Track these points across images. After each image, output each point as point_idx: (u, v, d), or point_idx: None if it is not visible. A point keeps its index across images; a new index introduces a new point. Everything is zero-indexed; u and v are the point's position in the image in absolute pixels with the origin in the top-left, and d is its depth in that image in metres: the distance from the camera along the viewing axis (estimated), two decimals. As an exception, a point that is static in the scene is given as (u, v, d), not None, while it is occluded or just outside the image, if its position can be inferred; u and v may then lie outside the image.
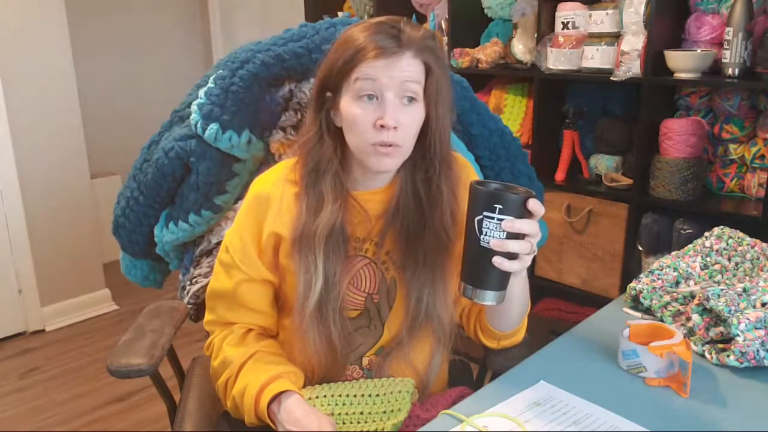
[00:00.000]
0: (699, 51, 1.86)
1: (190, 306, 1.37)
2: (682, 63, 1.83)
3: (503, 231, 0.85)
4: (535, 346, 1.06)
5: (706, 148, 1.99)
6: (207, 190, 1.34)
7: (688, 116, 1.99)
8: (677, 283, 1.18)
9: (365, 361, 1.06)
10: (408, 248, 1.02)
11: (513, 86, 2.36)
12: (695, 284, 1.17)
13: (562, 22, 2.09)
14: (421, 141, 0.99)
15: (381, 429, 0.97)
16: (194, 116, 1.30)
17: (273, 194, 1.03)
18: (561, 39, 2.08)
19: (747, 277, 1.17)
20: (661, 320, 1.10)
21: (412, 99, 0.95)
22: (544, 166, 2.14)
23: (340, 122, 0.98)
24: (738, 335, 0.95)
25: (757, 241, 1.24)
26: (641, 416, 0.85)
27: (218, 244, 1.36)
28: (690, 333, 1.05)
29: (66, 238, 2.79)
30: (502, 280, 0.89)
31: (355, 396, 0.99)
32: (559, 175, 2.20)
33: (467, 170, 1.11)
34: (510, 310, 1.02)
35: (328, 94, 0.98)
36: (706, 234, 1.26)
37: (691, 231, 1.86)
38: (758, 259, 1.20)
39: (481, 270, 0.88)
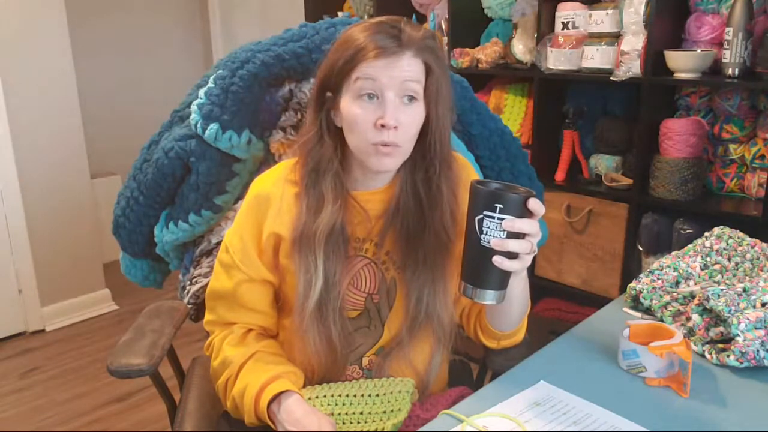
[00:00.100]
0: (699, 51, 1.86)
1: (190, 306, 1.37)
2: (682, 63, 1.83)
3: (503, 230, 0.85)
4: (535, 346, 1.06)
5: (706, 148, 1.99)
6: (207, 190, 1.34)
7: (688, 116, 1.99)
8: (677, 283, 1.18)
9: (365, 361, 1.06)
10: (408, 248, 1.02)
11: (513, 86, 2.36)
12: (695, 284, 1.17)
13: (562, 22, 2.09)
14: (421, 141, 0.99)
15: (381, 429, 0.97)
16: (194, 116, 1.30)
17: (273, 194, 1.03)
18: (561, 39, 2.08)
19: (747, 277, 1.17)
20: (661, 320, 1.10)
21: (412, 98, 0.95)
22: (544, 166, 2.14)
23: (341, 122, 0.98)
24: (738, 335, 0.95)
25: (757, 241, 1.24)
26: (641, 416, 0.85)
27: (218, 244, 1.36)
28: (690, 333, 1.05)
29: (66, 238, 2.79)
30: (502, 280, 0.89)
31: (355, 396, 0.99)
32: (559, 175, 2.20)
33: (467, 170, 1.11)
34: (510, 310, 1.02)
35: (328, 94, 0.98)
36: (706, 234, 1.26)
37: (691, 231, 1.86)
38: (758, 259, 1.20)
39: (481, 269, 0.88)
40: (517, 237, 0.86)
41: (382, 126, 0.92)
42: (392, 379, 1.02)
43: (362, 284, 1.04)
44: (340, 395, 0.99)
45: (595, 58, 2.01)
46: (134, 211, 1.43)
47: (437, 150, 1.00)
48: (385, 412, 0.98)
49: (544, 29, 2.12)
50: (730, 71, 1.77)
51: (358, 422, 0.98)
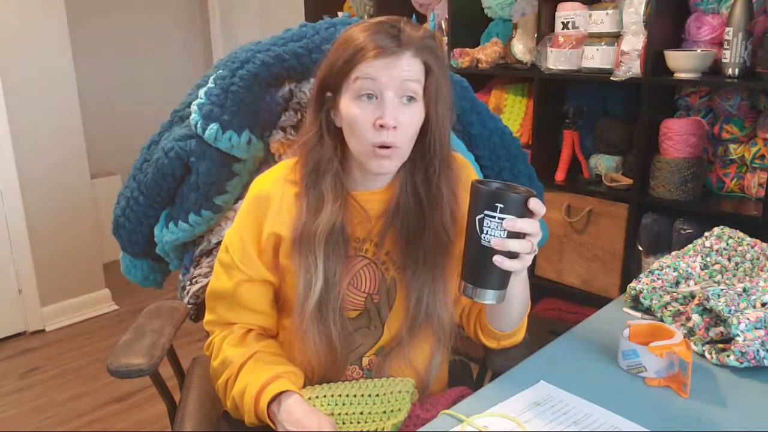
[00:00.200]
0: (699, 51, 1.86)
1: (190, 306, 1.37)
2: (682, 63, 1.83)
3: (504, 230, 0.85)
4: (535, 346, 1.06)
5: (706, 148, 1.99)
6: (207, 190, 1.34)
7: (688, 116, 1.99)
8: (677, 283, 1.18)
9: (365, 361, 1.06)
10: (408, 248, 1.02)
11: (513, 86, 2.36)
12: (695, 284, 1.17)
13: (562, 22, 2.09)
14: (421, 141, 0.99)
15: (381, 429, 0.97)
16: (194, 116, 1.30)
17: (273, 194, 1.03)
18: (561, 39, 2.08)
19: (747, 277, 1.17)
20: (661, 320, 1.10)
21: (411, 99, 0.95)
22: (544, 166, 2.14)
23: (341, 122, 0.98)
24: (738, 335, 0.95)
25: (757, 241, 1.24)
26: (641, 416, 0.85)
27: (218, 244, 1.36)
28: (690, 333, 1.05)
29: (66, 238, 2.79)
30: (502, 280, 0.89)
31: (355, 396, 0.99)
32: (559, 175, 2.20)
33: (467, 170, 1.11)
34: (510, 310, 1.02)
35: (328, 94, 0.98)
36: (706, 234, 1.26)
37: (691, 231, 1.86)
38: (758, 259, 1.20)
39: (481, 269, 0.88)
40: (517, 237, 0.86)
41: (381, 126, 0.92)
42: (392, 379, 1.02)
43: (362, 284, 1.04)
44: (340, 395, 0.99)
45: (595, 58, 2.01)
46: (134, 211, 1.43)
47: (437, 150, 1.00)
48: (385, 412, 0.98)
49: (544, 29, 2.12)
50: (730, 71, 1.77)
51: (358, 422, 0.98)
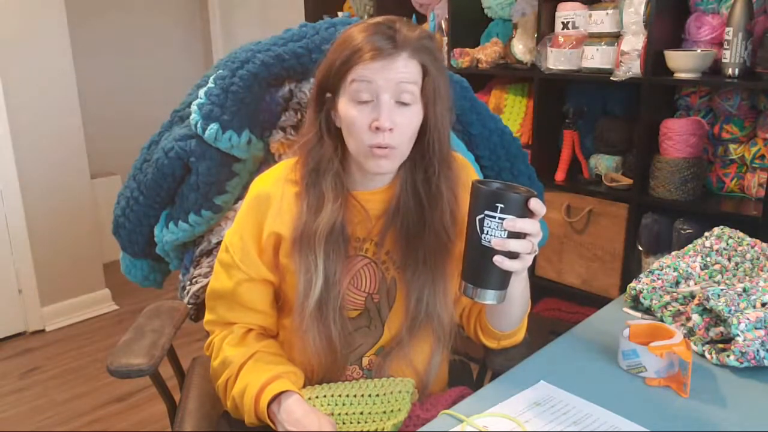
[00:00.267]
0: (699, 51, 1.86)
1: (190, 306, 1.37)
2: (682, 63, 1.83)
3: (504, 230, 0.85)
4: (535, 346, 1.06)
5: (706, 148, 1.99)
6: (207, 190, 1.34)
7: (688, 116, 1.99)
8: (677, 283, 1.18)
9: (365, 361, 1.06)
10: (408, 248, 1.02)
11: (513, 86, 2.36)
12: (695, 284, 1.17)
13: (562, 22, 2.09)
14: (420, 141, 0.99)
15: (381, 429, 0.97)
16: (194, 116, 1.30)
17: (273, 194, 1.03)
18: (561, 39, 2.08)
19: (747, 277, 1.17)
20: (661, 320, 1.10)
21: (408, 100, 0.94)
22: (544, 166, 2.14)
23: (340, 123, 0.98)
24: (738, 335, 0.95)
25: (757, 241, 1.24)
26: (641, 416, 0.85)
27: (218, 244, 1.36)
28: (690, 333, 1.05)
29: (66, 238, 2.79)
30: (503, 280, 0.89)
31: (355, 396, 0.99)
32: (559, 175, 2.20)
33: (467, 170, 1.11)
34: (510, 310, 1.02)
35: (328, 94, 0.98)
36: (706, 234, 1.26)
37: (691, 231, 1.86)
38: (758, 259, 1.20)
39: (482, 269, 0.88)
40: (518, 237, 0.86)
41: (377, 128, 0.92)
42: (392, 379, 1.02)
43: (362, 284, 1.04)
44: (340, 395, 0.99)
45: (595, 58, 2.01)
46: (134, 211, 1.43)
47: (436, 150, 1.00)
48: (385, 412, 0.98)
49: (544, 29, 2.12)
50: (730, 71, 1.77)
51: (358, 422, 0.98)
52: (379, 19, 0.96)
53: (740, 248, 1.22)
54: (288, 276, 1.04)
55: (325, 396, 0.99)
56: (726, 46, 1.77)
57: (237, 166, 1.34)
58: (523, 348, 1.11)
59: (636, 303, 1.17)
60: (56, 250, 2.76)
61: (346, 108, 0.95)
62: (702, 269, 1.20)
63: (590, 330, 1.10)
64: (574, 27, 2.07)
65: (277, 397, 0.97)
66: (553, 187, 2.16)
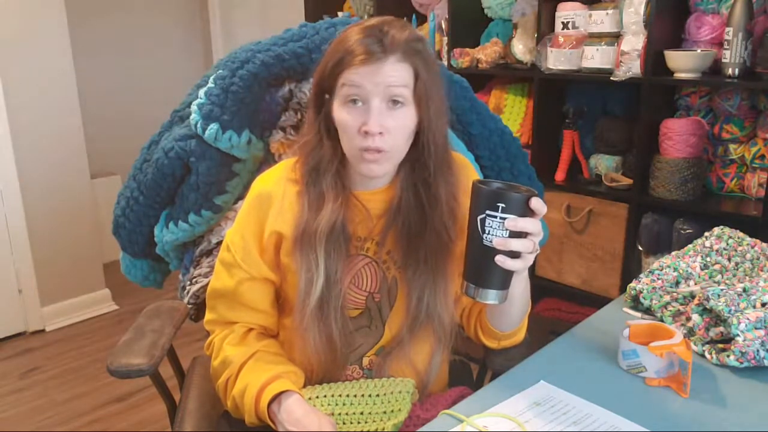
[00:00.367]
0: (699, 51, 1.86)
1: (190, 306, 1.37)
2: (682, 63, 1.83)
3: (506, 230, 0.85)
4: (535, 346, 1.06)
5: (706, 148, 1.99)
6: (207, 190, 1.34)
7: (688, 116, 1.99)
8: (677, 283, 1.18)
9: (365, 361, 1.06)
10: (409, 248, 1.02)
11: (513, 86, 2.36)
12: (695, 284, 1.17)
13: (562, 22, 2.09)
14: (416, 143, 0.99)
15: (381, 429, 0.97)
16: (194, 116, 1.30)
17: (275, 193, 1.03)
18: (561, 39, 2.08)
19: (747, 277, 1.17)
20: (661, 320, 1.10)
21: (399, 103, 0.94)
22: (544, 166, 2.14)
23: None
24: (738, 335, 0.95)
25: (757, 241, 1.24)
26: (641, 416, 0.85)
27: (218, 244, 1.36)
28: (690, 333, 1.05)
29: (66, 238, 2.79)
30: (504, 279, 0.90)
31: (355, 396, 0.99)
32: (559, 175, 2.20)
33: (467, 170, 1.11)
34: (511, 310, 1.02)
35: (326, 96, 0.98)
36: (706, 234, 1.26)
37: (691, 231, 1.86)
38: (758, 259, 1.20)
39: (483, 269, 0.88)
40: (519, 236, 0.86)
41: (366, 132, 0.92)
42: (392, 380, 1.02)
43: (363, 283, 1.04)
44: (340, 395, 0.99)
45: (595, 58, 2.01)
46: (134, 211, 1.43)
47: (431, 152, 1.00)
48: (385, 412, 0.98)
49: (544, 29, 2.12)
50: (730, 71, 1.77)
51: (359, 422, 0.98)
52: (373, 21, 0.96)
53: (740, 248, 1.22)
54: (289, 275, 1.04)
55: (325, 396, 0.99)
56: (726, 46, 1.77)
57: (237, 166, 1.34)
58: (523, 348, 1.11)
59: (636, 303, 1.17)
60: (56, 250, 2.76)
61: (338, 111, 0.96)
62: (702, 269, 1.20)
63: (590, 330, 1.10)
64: (574, 27, 2.07)
65: (277, 397, 0.97)
66: (553, 187, 2.16)
